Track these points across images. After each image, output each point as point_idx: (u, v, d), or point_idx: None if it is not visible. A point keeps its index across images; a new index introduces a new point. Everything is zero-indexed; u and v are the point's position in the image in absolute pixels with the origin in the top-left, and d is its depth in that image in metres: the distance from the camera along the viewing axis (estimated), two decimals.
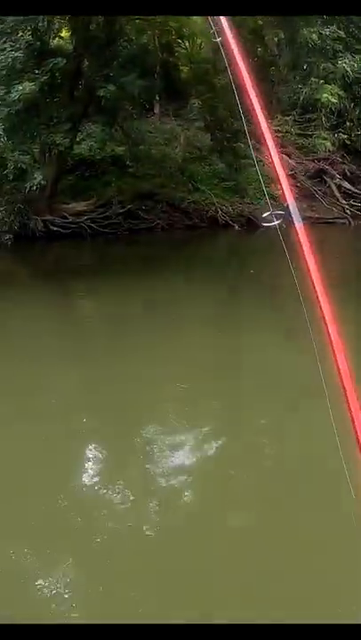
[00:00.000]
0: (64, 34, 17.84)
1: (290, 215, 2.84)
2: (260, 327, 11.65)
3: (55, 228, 20.40)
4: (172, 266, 18.73)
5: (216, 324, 12.29)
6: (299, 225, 2.85)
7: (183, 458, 7.30)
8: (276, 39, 21.60)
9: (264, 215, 2.93)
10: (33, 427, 7.83)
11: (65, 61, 14.26)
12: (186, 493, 6.78)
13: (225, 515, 6.16)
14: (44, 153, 17.20)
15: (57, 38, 17.63)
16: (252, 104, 2.97)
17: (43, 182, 13.83)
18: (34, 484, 6.59)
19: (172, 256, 20.28)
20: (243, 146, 19.76)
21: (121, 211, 21.19)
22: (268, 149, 2.98)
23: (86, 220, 20.92)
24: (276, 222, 2.89)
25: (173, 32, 21.25)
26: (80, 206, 21.21)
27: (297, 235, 2.87)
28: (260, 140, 2.98)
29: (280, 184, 2.93)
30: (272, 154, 2.96)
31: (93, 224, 20.94)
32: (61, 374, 9.67)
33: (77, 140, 18.49)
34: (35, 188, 13.86)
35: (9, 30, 13.97)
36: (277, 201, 3.10)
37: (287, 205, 2.85)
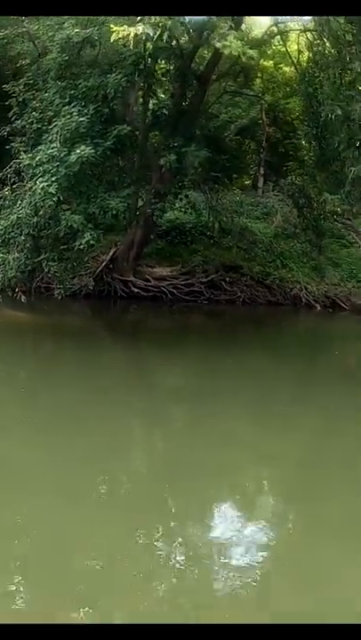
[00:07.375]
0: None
1: None
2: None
3: (136, 290, 20.61)
4: (253, 341, 18.19)
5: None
6: None
7: None
8: None
9: None
10: None
11: (129, 129, 14.41)
12: None
13: None
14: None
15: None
16: None
17: (92, 243, 13.86)
18: None
19: (251, 331, 19.74)
20: (332, 225, 19.09)
21: (204, 280, 21.08)
22: None
23: (168, 285, 20.97)
24: None
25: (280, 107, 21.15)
26: (165, 271, 21.31)
27: None
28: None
29: None
30: None
31: (175, 290, 20.94)
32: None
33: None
34: (83, 247, 13.93)
35: (80, 96, 14.39)
36: None
37: None
